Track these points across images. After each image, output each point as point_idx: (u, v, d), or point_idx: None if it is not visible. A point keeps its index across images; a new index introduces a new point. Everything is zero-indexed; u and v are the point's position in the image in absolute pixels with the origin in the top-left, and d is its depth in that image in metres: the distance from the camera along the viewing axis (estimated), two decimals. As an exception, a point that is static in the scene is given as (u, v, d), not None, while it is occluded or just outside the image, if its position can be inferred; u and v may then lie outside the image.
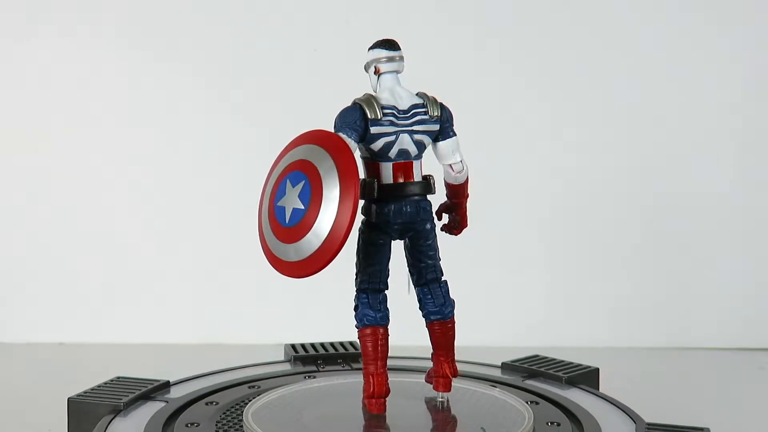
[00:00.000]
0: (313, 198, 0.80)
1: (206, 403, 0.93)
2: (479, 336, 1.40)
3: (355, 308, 0.87)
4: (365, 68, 0.87)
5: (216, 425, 0.86)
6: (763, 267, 1.52)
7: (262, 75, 1.52)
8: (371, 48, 0.87)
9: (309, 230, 0.79)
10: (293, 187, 0.81)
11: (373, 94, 0.86)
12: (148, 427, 0.86)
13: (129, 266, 1.53)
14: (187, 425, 0.86)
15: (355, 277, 0.87)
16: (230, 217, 1.53)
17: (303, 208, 0.80)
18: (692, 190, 1.51)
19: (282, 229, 0.81)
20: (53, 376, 1.32)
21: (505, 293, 1.52)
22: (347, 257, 0.83)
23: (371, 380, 0.86)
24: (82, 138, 1.52)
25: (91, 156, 1.53)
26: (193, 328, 1.52)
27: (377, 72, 0.86)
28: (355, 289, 0.87)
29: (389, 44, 0.87)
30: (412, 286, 0.91)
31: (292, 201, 0.81)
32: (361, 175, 0.84)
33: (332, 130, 0.83)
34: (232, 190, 1.52)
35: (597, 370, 1.05)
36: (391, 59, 0.86)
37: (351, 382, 0.98)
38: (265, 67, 1.52)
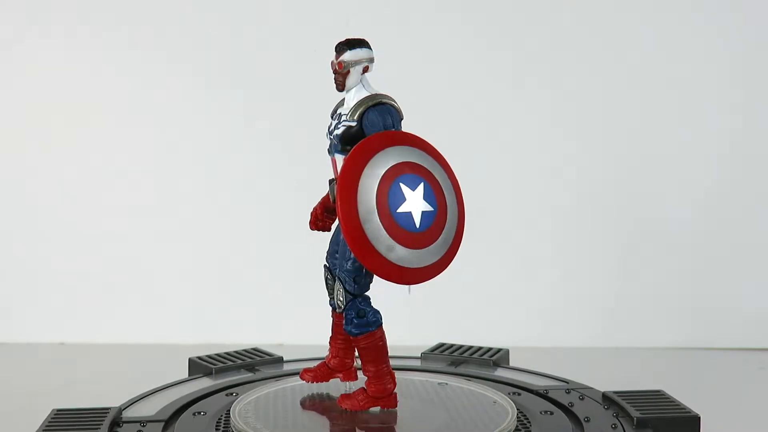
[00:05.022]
0: (438, 197, 0.82)
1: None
2: (483, 335, 1.41)
3: (359, 314, 0.85)
4: (347, 66, 0.86)
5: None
6: (764, 267, 1.51)
7: (262, 75, 1.52)
8: (359, 47, 0.86)
9: (443, 229, 0.81)
10: (413, 190, 0.81)
11: (386, 94, 0.86)
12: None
13: (129, 266, 1.53)
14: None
15: (353, 283, 0.85)
16: (230, 217, 1.53)
17: (433, 209, 0.81)
18: (695, 190, 1.51)
19: (413, 235, 0.80)
20: (53, 376, 1.32)
21: (510, 293, 1.52)
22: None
23: (391, 377, 0.87)
24: (82, 138, 1.52)
25: (91, 156, 1.53)
26: (193, 328, 1.52)
27: (366, 71, 0.87)
28: (352, 295, 0.85)
29: (369, 44, 0.87)
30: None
31: (418, 204, 0.81)
32: None
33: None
34: (232, 190, 1.52)
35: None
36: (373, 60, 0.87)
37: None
38: (266, 67, 1.51)
